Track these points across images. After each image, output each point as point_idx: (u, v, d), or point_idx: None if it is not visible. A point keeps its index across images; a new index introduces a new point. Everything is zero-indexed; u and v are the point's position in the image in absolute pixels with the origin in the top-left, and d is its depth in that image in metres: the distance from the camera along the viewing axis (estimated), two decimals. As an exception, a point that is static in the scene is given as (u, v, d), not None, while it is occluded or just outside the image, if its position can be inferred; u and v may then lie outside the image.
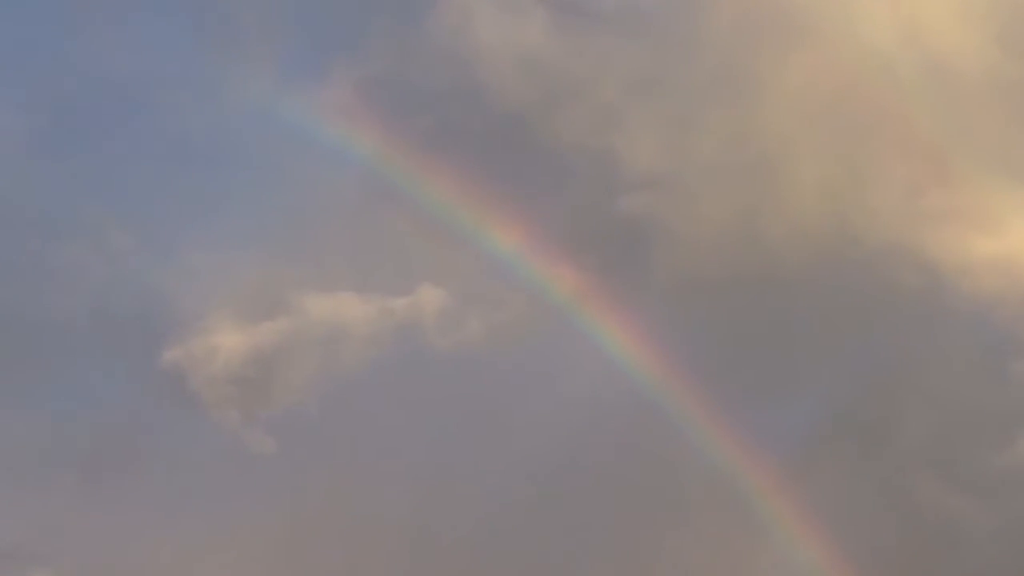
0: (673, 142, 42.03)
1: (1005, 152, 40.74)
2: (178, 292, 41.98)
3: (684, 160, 41.93)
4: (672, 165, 41.78)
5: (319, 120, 42.90)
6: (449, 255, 42.27)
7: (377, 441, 40.65)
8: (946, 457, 38.29)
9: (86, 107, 44.57)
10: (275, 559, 38.89)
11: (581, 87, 43.02)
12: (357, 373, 41.60)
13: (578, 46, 43.59)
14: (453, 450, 40.54)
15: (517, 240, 41.47)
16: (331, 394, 41.20)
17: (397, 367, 41.82)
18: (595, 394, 40.16)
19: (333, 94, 43.30)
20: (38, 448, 39.62)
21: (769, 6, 42.79)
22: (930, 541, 37.71)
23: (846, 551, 37.67)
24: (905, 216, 40.38)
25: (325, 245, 42.74)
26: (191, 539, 38.82)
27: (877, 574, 37.38)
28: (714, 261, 40.64)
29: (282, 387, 41.50)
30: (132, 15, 45.95)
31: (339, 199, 42.76)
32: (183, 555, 38.80)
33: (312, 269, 42.36)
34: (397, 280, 42.26)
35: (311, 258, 42.60)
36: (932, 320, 39.52)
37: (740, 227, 40.95)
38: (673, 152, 41.96)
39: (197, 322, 41.47)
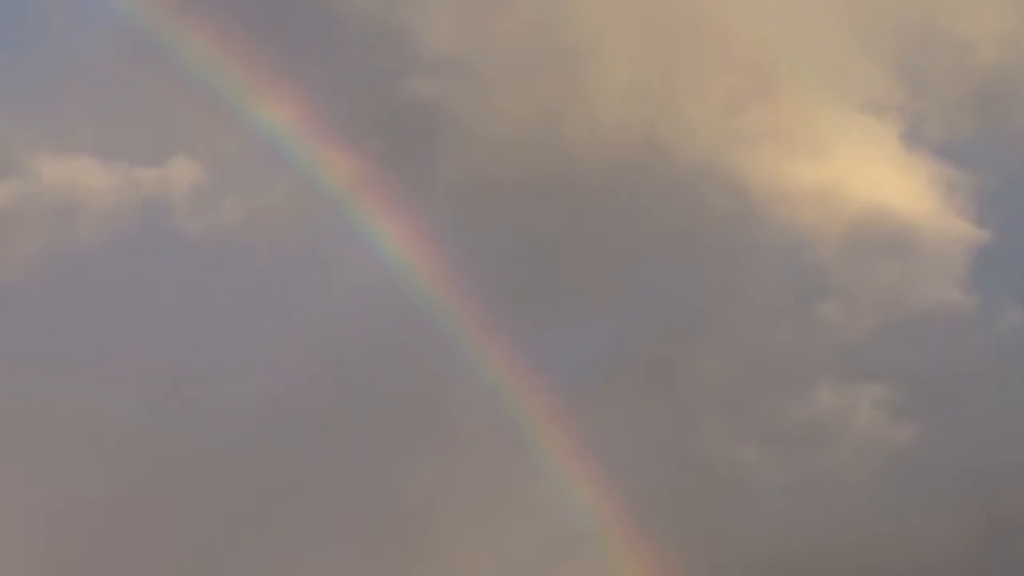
0: (474, 23, 39.04)
1: (835, 69, 38.81)
2: None
3: (484, 45, 38.92)
4: (470, 49, 38.70)
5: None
6: (208, 125, 39.03)
7: (108, 331, 37.28)
8: (740, 402, 36.33)
9: None
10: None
11: (375, -50, 39.55)
12: (91, 250, 38.68)
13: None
14: (196, 347, 37.57)
15: (288, 116, 37.97)
16: (58, 273, 38.09)
17: (138, 247, 38.89)
18: (361, 297, 37.62)
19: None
20: None
21: None
22: (715, 491, 35.75)
23: (623, 494, 34.95)
24: (719, 133, 38.18)
25: (65, 101, 39.06)
26: None
27: (655, 521, 35.03)
28: (507, 161, 37.82)
29: (1, 261, 38.01)
30: None
31: (85, 51, 39.65)
32: None
33: (48, 127, 38.90)
34: (146, 148, 39.19)
35: (47, 115, 38.93)
36: (740, 251, 37.52)
37: (539, 126, 38.14)
38: (472, 34, 38.96)
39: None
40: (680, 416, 36.02)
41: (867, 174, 38.30)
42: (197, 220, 38.46)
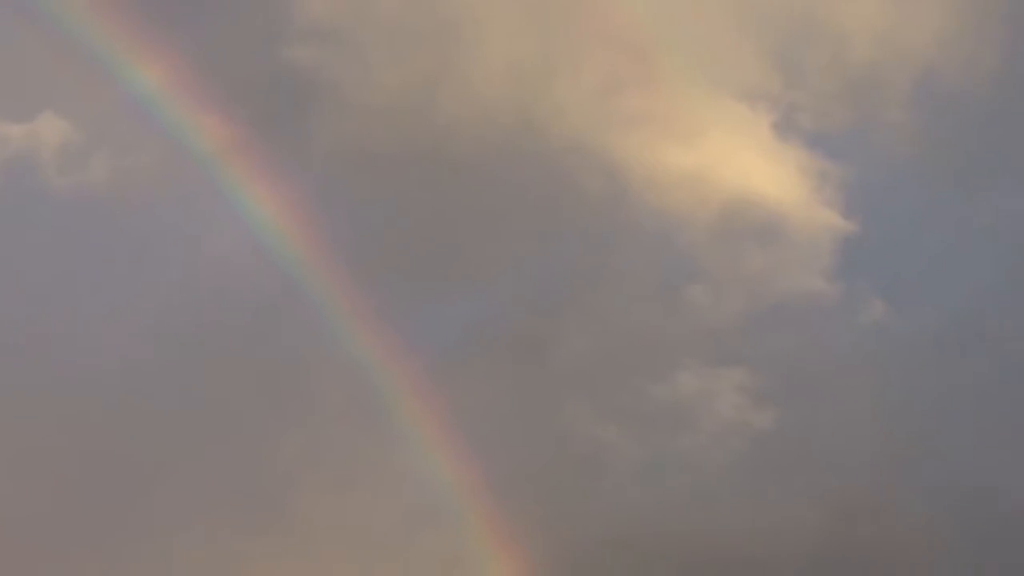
0: (353, -8, 38.50)
1: (711, 56, 38.74)
2: None
3: (363, 14, 38.63)
4: (349, 18, 38.40)
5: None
6: (81, 83, 37.99)
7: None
8: (603, 381, 36.26)
9: None
10: None
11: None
12: (-45, 206, 37.42)
13: None
14: (61, 307, 37.00)
15: (162, 77, 37.30)
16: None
17: (3, 203, 38.29)
18: (230, 262, 37.35)
19: None
20: None
21: None
22: (574, 468, 35.67)
23: (484, 468, 34.81)
24: (594, 113, 38.07)
25: (-68, 51, 37.99)
26: None
27: (513, 495, 34.92)
28: (381, 131, 37.50)
29: None
30: None
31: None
32: None
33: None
34: (15, 104, 38.57)
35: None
36: (611, 232, 37.45)
37: (414, 98, 37.87)
38: (351, 2, 38.76)
39: None
40: (543, 392, 35.91)
41: (738, 161, 38.39)
42: (65, 178, 37.99)
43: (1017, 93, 37.86)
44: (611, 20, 38.58)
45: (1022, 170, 38.27)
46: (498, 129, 37.26)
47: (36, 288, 36.75)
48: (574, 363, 36.16)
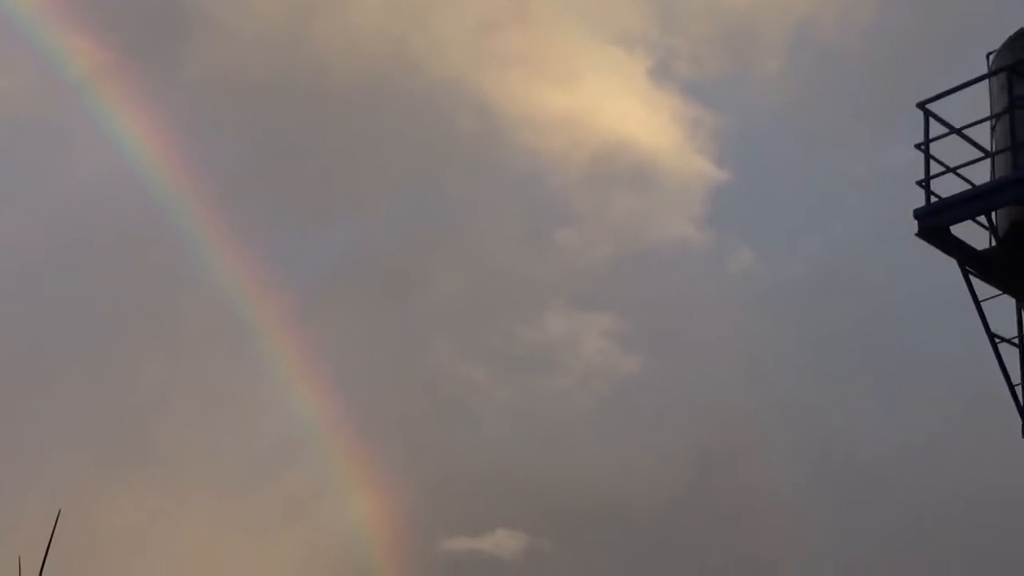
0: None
1: (590, 0, 38.54)
2: None
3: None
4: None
5: None
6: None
7: None
8: (469, 322, 36.36)
9: None
10: None
11: None
12: None
13: None
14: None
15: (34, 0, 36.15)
16: None
17: None
18: (95, 186, 37.30)
19: None
20: None
21: None
22: (439, 407, 35.76)
23: (346, 402, 34.75)
24: (470, 52, 37.89)
25: None
26: None
27: (377, 433, 34.86)
28: (255, 61, 37.22)
29: None
30: None
31: None
32: None
33: None
34: None
35: None
36: (483, 171, 37.40)
37: (291, 26, 37.91)
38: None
39: None
40: (411, 330, 35.85)
41: (613, 106, 38.46)
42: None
43: (892, 47, 38.23)
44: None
45: (894, 123, 38.66)
46: (373, 62, 37.19)
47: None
48: (442, 302, 36.17)
